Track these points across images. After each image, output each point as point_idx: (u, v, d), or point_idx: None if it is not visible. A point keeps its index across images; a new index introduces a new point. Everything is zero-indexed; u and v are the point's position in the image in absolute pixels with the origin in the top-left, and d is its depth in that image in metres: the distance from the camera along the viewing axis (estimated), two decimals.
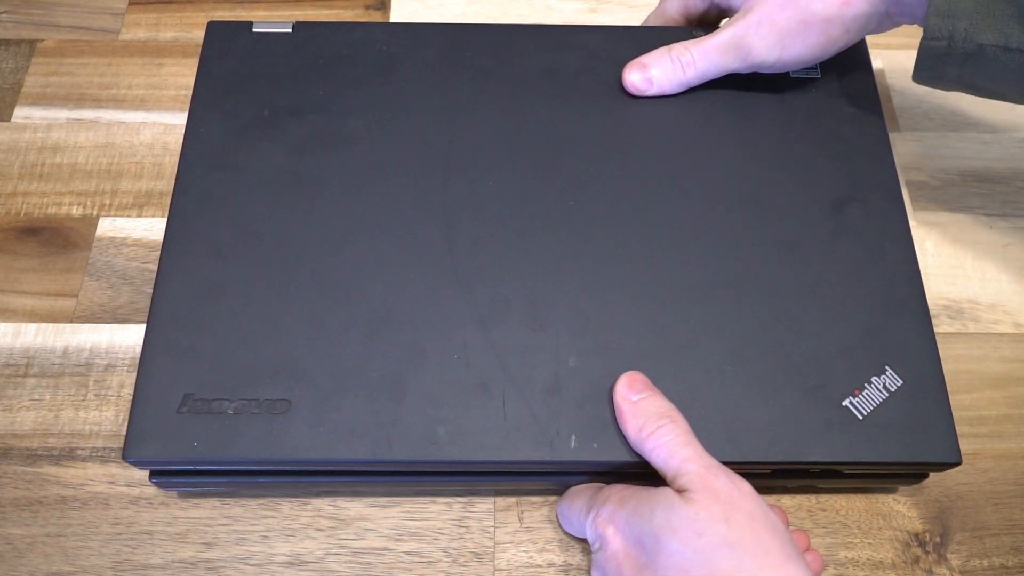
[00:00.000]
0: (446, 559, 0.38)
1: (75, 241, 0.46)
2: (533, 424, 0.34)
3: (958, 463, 0.34)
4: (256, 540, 0.38)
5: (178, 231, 0.38)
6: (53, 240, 0.46)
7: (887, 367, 0.36)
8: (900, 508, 0.40)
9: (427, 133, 0.41)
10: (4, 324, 0.44)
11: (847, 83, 0.43)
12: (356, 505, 0.39)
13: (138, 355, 0.43)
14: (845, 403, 0.35)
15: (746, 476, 0.38)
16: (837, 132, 0.41)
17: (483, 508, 0.39)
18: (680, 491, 0.30)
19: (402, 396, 0.34)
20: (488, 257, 0.37)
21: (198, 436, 0.33)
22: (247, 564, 0.38)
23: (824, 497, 0.40)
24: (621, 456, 0.34)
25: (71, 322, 0.44)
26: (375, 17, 0.56)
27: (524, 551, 0.38)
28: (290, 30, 0.43)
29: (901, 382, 0.35)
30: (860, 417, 0.34)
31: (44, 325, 0.44)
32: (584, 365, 0.35)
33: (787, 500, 0.40)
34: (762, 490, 0.40)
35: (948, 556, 0.39)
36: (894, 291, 0.37)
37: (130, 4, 0.56)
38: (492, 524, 0.39)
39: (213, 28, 0.44)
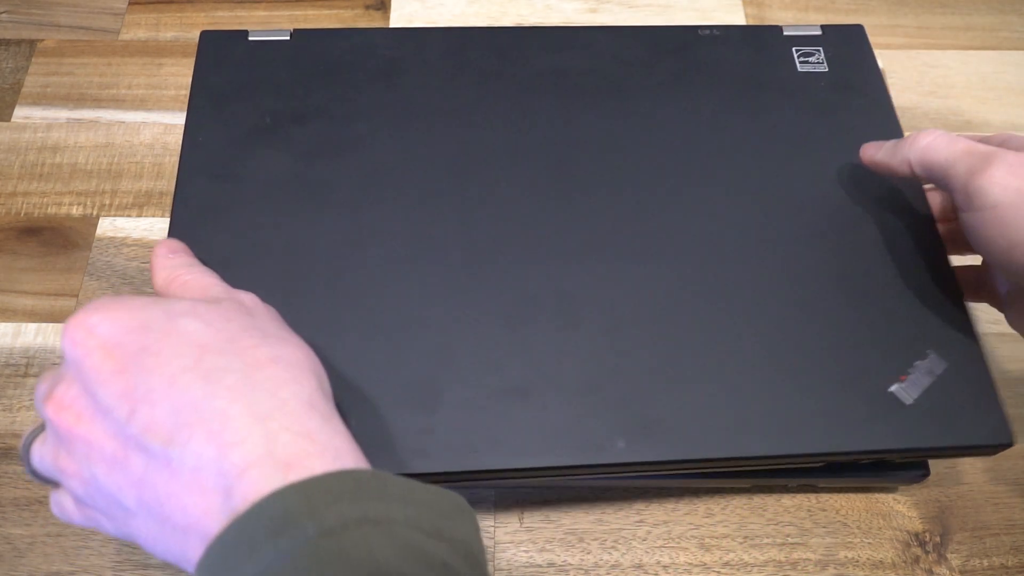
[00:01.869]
0: None
1: (75, 241, 0.46)
2: (576, 427, 0.33)
3: (1010, 444, 0.33)
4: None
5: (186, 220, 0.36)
6: (53, 240, 0.46)
7: (929, 351, 0.35)
8: (900, 508, 0.40)
9: (437, 135, 0.40)
10: (4, 324, 0.44)
11: (854, 76, 0.43)
12: None
13: None
14: (892, 389, 0.34)
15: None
16: (848, 124, 0.41)
17: (483, 508, 0.39)
18: None
19: (435, 404, 0.33)
20: (510, 257, 0.36)
21: None
22: None
23: (824, 497, 0.40)
24: (676, 453, 0.32)
25: None
26: (375, 17, 0.56)
27: (524, 551, 0.38)
28: (288, 37, 0.43)
29: (946, 365, 0.35)
30: (908, 403, 0.34)
31: (44, 325, 0.44)
32: (623, 363, 0.34)
33: (787, 500, 0.40)
34: (762, 489, 0.40)
35: (948, 556, 0.39)
36: (924, 276, 0.37)
37: (130, 4, 0.56)
38: (492, 524, 0.39)
39: (207, 38, 0.43)
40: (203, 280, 0.31)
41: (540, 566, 0.38)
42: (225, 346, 0.26)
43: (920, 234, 0.38)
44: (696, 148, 0.40)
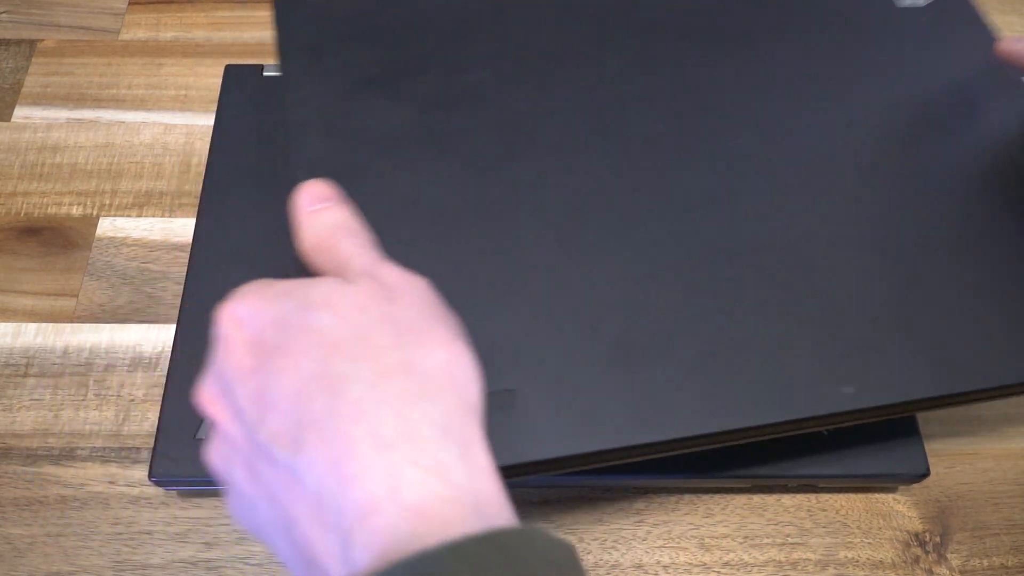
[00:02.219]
0: None
1: (75, 241, 0.46)
2: (792, 380, 0.31)
3: None
4: (257, 539, 0.38)
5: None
6: (53, 240, 0.46)
7: None
8: (900, 508, 0.40)
9: (558, 81, 0.38)
10: (4, 324, 0.44)
11: (951, 9, 0.44)
12: None
13: (138, 355, 0.43)
14: None
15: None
16: (959, 49, 0.42)
17: None
18: None
19: (635, 368, 0.30)
20: (680, 209, 0.34)
21: None
22: (247, 564, 0.38)
23: (824, 497, 0.40)
24: (905, 394, 0.31)
25: (71, 322, 0.44)
26: None
27: None
28: None
29: None
30: None
31: (44, 325, 0.44)
32: (814, 311, 0.32)
33: (787, 500, 0.40)
34: (762, 489, 0.40)
35: (948, 556, 0.39)
36: None
37: (130, 4, 0.56)
38: None
39: None
40: (348, 247, 0.26)
41: None
42: (355, 346, 0.22)
43: None
44: (821, 83, 0.40)
